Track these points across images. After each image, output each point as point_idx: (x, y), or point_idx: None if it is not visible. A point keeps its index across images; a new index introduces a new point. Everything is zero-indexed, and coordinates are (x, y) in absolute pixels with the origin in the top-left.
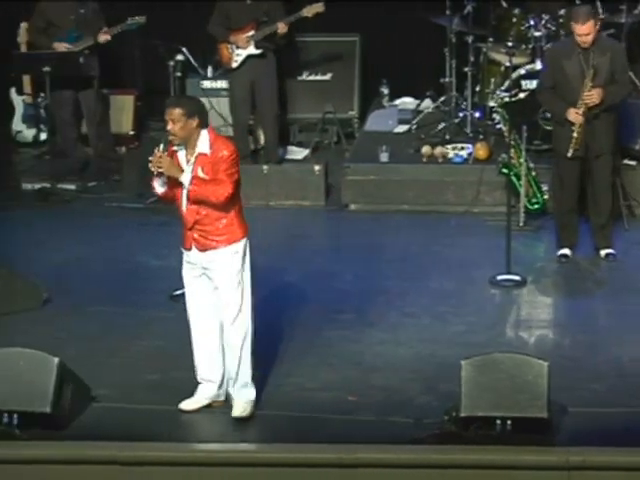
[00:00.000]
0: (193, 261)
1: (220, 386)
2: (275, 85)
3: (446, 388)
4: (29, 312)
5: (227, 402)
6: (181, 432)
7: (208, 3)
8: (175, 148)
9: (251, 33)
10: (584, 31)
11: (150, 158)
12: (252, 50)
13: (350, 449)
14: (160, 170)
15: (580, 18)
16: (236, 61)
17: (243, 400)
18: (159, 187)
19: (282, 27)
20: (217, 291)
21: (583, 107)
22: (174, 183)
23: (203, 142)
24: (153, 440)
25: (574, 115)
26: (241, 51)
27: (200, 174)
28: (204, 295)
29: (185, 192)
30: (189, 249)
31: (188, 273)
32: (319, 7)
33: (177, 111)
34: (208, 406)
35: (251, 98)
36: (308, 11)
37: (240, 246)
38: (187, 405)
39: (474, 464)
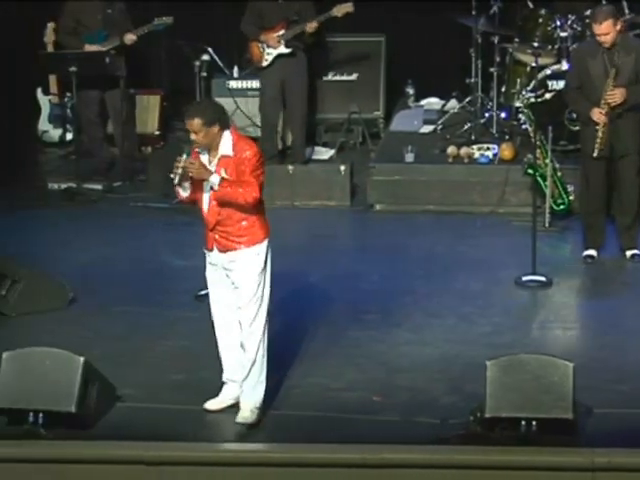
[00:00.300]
0: (214, 262)
1: None
2: (305, 85)
3: (471, 388)
4: (55, 312)
5: None
6: (206, 432)
7: (234, 3)
8: (198, 150)
9: (281, 32)
10: (602, 31)
11: (179, 165)
12: (282, 49)
13: (375, 449)
14: (190, 174)
15: (598, 18)
16: (266, 60)
17: (250, 405)
18: (183, 192)
19: (311, 26)
20: (236, 292)
21: (606, 107)
22: (197, 185)
23: (225, 144)
24: (178, 440)
25: (597, 115)
26: (271, 50)
27: (224, 175)
28: (227, 296)
29: (207, 193)
30: (211, 250)
31: (211, 274)
32: (348, 7)
33: (196, 122)
34: (233, 406)
35: (281, 97)
36: (338, 11)
37: (261, 248)
38: (212, 405)
39: (499, 465)
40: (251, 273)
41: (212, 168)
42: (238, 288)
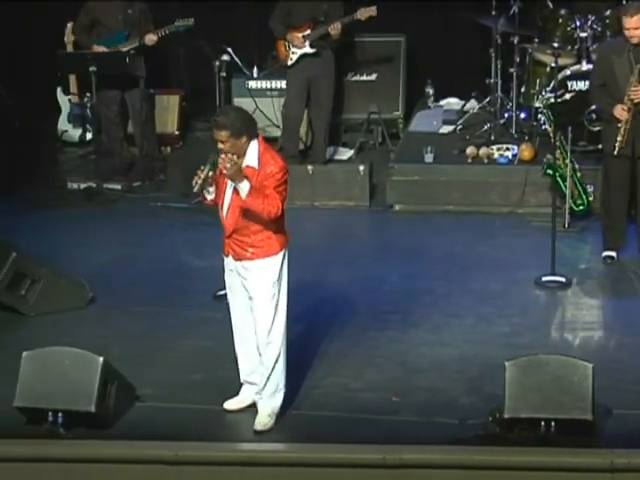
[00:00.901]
0: (231, 267)
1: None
2: (332, 85)
3: (490, 389)
4: (74, 311)
5: None
6: (225, 432)
7: (254, 3)
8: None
9: (307, 32)
10: (632, 24)
11: (201, 175)
12: (307, 49)
13: (394, 449)
14: (224, 171)
15: (629, 11)
16: (291, 59)
17: (267, 411)
18: (208, 195)
19: (333, 28)
20: (252, 301)
21: (629, 103)
22: (220, 189)
23: (252, 154)
24: (197, 440)
25: (620, 111)
26: (296, 49)
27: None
28: (244, 300)
29: (228, 200)
30: (227, 256)
31: (228, 279)
32: (372, 11)
33: (224, 133)
34: (251, 405)
35: (305, 97)
36: (361, 14)
37: (275, 260)
38: (231, 405)
39: (518, 465)
40: (264, 283)
41: None
42: (252, 298)
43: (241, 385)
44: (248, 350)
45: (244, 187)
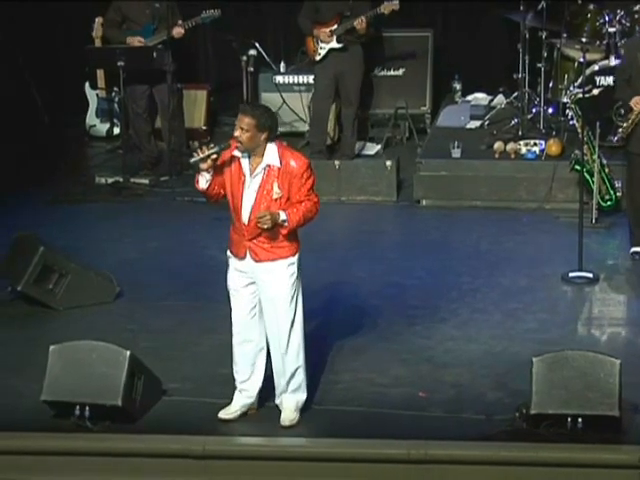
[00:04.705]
0: (243, 269)
1: (256, 395)
2: (359, 79)
3: (517, 385)
4: (102, 305)
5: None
6: (252, 426)
7: None
8: (238, 155)
9: (334, 27)
10: None
11: (206, 151)
12: (334, 44)
13: (419, 445)
14: (265, 226)
15: None
16: (319, 54)
17: (293, 406)
18: (204, 183)
19: (359, 23)
20: (268, 302)
21: None
22: (219, 183)
23: (271, 154)
24: (224, 434)
25: (635, 101)
26: (324, 44)
27: (276, 190)
28: (249, 304)
29: (250, 204)
30: (242, 258)
31: (236, 281)
32: (395, 5)
33: (249, 120)
34: (244, 414)
35: (333, 92)
36: (384, 8)
37: (296, 259)
38: (226, 414)
39: (544, 462)
40: (286, 284)
41: (256, 179)
42: (271, 300)
43: (234, 391)
44: (248, 355)
45: (283, 218)
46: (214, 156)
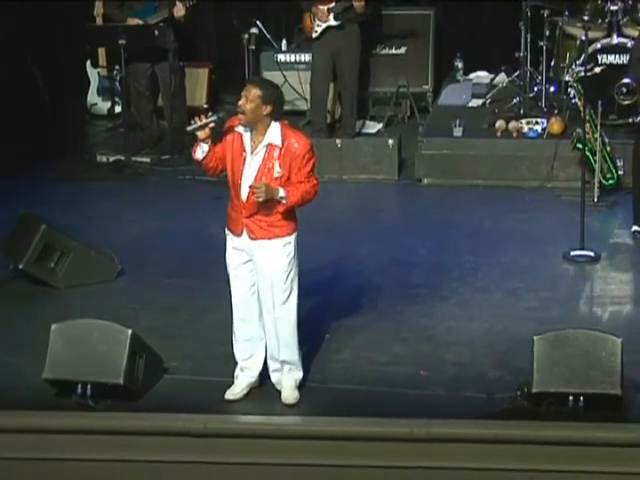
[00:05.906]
0: (241, 247)
1: (259, 374)
2: (357, 57)
3: (518, 363)
4: (103, 284)
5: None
6: (253, 404)
7: None
8: (241, 130)
9: (332, 5)
10: None
11: (204, 119)
12: (331, 22)
13: (422, 423)
14: (259, 199)
15: None
16: (316, 31)
17: (291, 384)
18: (200, 153)
19: (357, 0)
20: (264, 280)
21: None
22: (218, 157)
23: (273, 133)
24: (225, 412)
25: None
26: (321, 22)
27: (277, 169)
28: (248, 282)
29: (248, 181)
30: (239, 235)
31: (234, 259)
32: None
33: (255, 91)
34: (247, 393)
35: (332, 70)
36: None
37: (293, 237)
38: (232, 395)
39: (546, 440)
40: (282, 262)
41: (257, 157)
42: (267, 278)
43: (235, 368)
44: (249, 333)
45: (281, 194)
46: (212, 125)
